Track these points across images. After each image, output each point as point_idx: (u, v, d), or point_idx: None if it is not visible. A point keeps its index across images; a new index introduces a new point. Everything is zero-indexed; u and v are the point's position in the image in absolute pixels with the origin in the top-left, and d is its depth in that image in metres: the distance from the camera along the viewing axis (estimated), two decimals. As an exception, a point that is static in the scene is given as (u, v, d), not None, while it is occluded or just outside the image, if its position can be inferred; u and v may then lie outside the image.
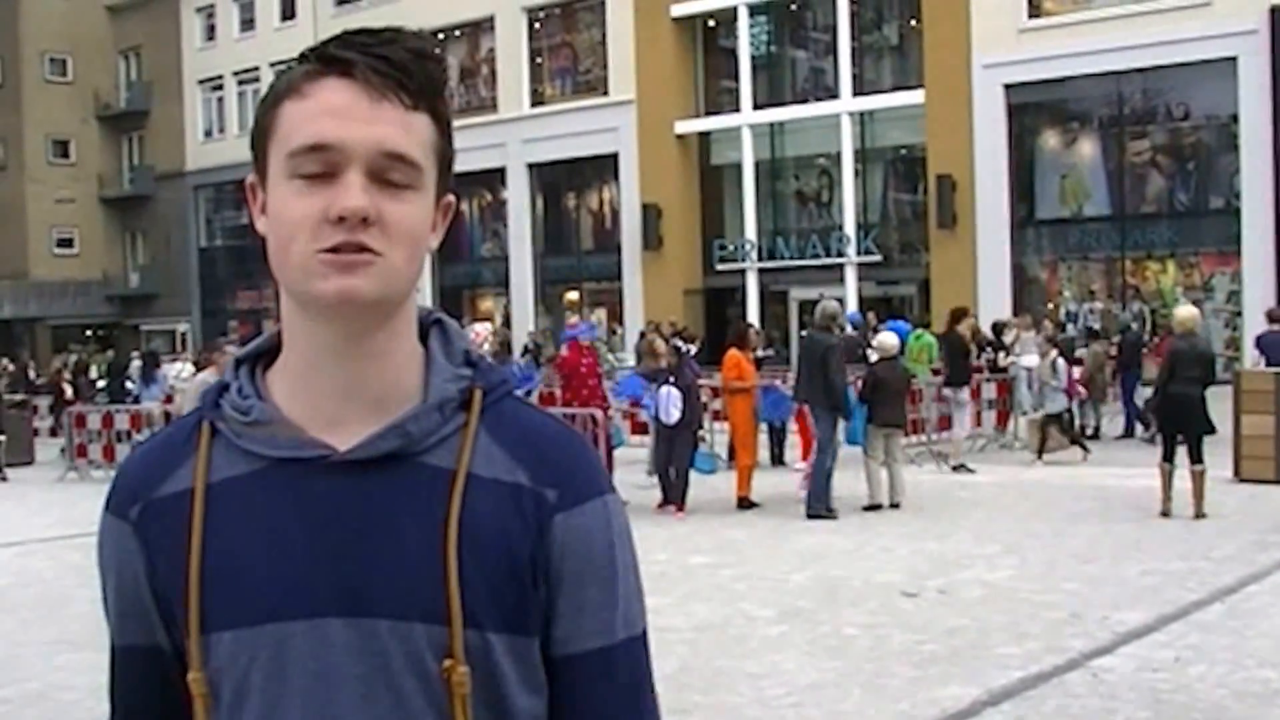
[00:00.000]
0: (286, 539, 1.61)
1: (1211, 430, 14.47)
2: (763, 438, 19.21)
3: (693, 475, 16.31)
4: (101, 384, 35.58)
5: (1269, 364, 18.81)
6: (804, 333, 21.64)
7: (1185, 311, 15.67)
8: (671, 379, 15.97)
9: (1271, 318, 21.32)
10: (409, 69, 1.60)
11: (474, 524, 1.62)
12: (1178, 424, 14.51)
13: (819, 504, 15.57)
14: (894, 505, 16.23)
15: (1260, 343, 20.42)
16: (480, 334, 16.03)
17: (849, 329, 25.67)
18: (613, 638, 1.71)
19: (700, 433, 15.92)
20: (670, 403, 15.67)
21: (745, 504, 16.36)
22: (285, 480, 1.63)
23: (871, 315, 33.03)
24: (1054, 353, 20.26)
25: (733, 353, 17.04)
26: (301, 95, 1.61)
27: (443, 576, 1.59)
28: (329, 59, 1.61)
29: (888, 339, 17.83)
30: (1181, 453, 14.56)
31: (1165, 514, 14.60)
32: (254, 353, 1.75)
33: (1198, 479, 14.40)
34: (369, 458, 1.62)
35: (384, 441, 1.63)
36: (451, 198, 1.73)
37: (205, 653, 1.63)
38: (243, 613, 1.61)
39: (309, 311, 1.63)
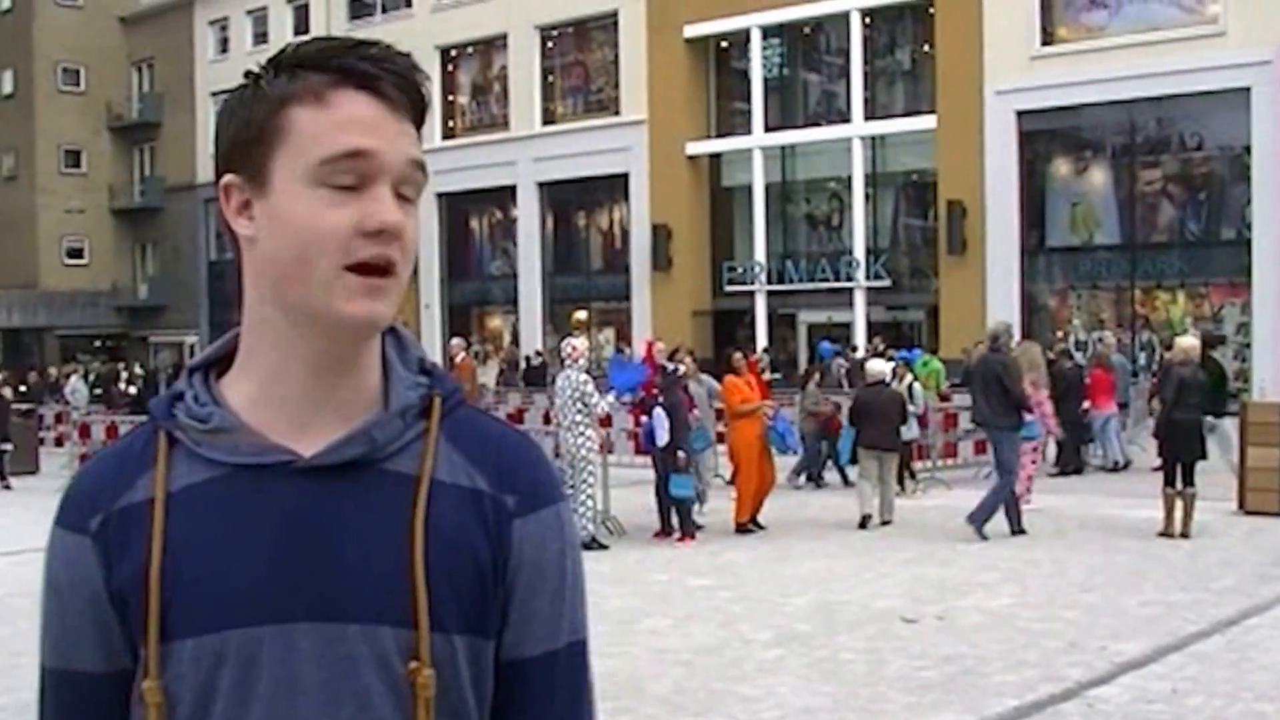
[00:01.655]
0: (252, 544, 1.60)
1: (1204, 455, 15.23)
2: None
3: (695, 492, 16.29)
4: (132, 390, 35.85)
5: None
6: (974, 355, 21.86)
7: (1187, 340, 16.43)
8: (660, 400, 15.84)
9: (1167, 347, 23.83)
10: (417, 88, 1.65)
11: (438, 528, 1.63)
12: (1182, 449, 15.08)
13: (980, 521, 15.45)
14: (885, 522, 16.68)
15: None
16: (578, 349, 15.83)
17: (833, 358, 25.86)
18: (558, 643, 1.73)
19: (681, 455, 15.64)
20: (660, 425, 15.54)
21: (743, 529, 16.27)
22: (248, 486, 1.62)
23: (878, 340, 33.02)
24: (909, 378, 20.26)
25: (729, 379, 17.00)
26: (322, 103, 1.60)
27: (409, 580, 1.60)
28: (348, 70, 1.61)
29: (874, 365, 18.43)
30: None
31: (1167, 535, 15.08)
32: (207, 361, 1.74)
33: (1188, 501, 15.02)
34: (333, 464, 1.63)
35: (349, 448, 1.63)
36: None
37: (163, 661, 1.60)
38: (209, 618, 1.59)
39: (313, 327, 1.62)
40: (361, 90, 1.60)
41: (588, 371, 15.92)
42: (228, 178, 1.64)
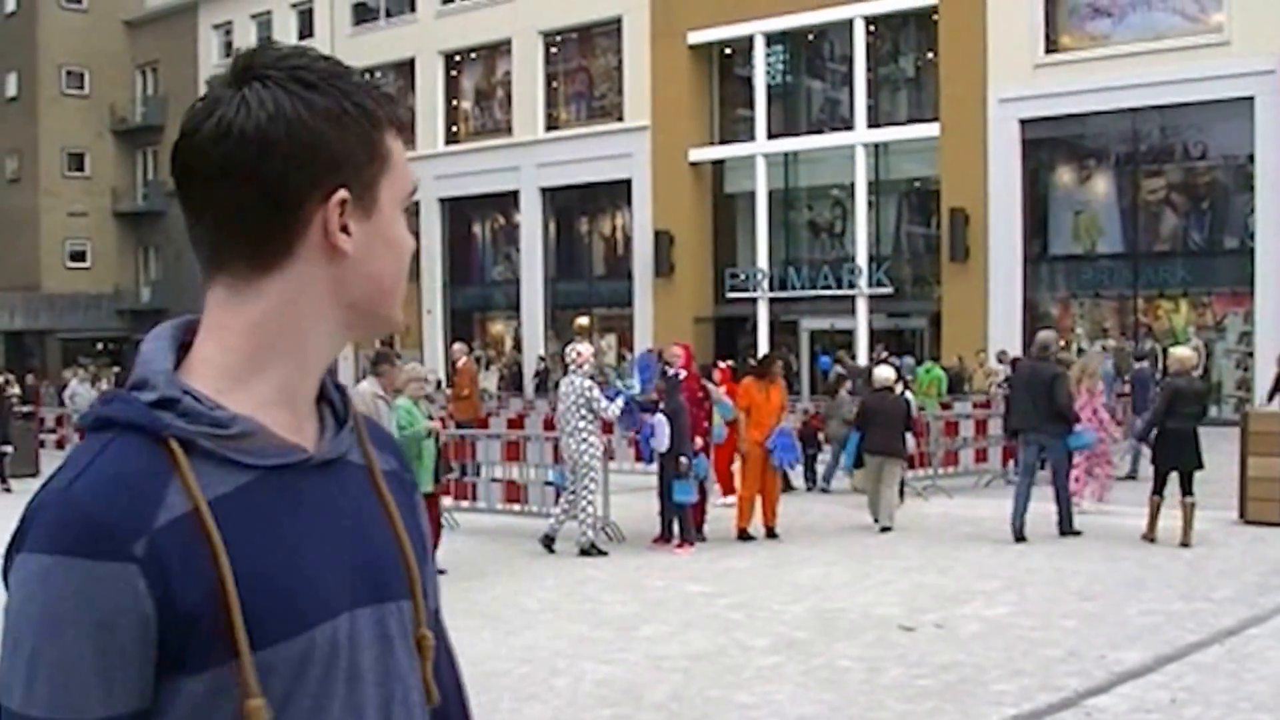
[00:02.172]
0: (306, 541, 1.63)
1: (1201, 466, 15.32)
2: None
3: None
4: None
5: (1136, 401, 20.83)
6: (1014, 363, 22.30)
7: (1184, 351, 16.75)
8: (660, 406, 15.77)
9: (1137, 356, 25.13)
10: None
11: (398, 508, 1.77)
12: (1174, 459, 15.29)
13: (1069, 525, 16.05)
14: (884, 529, 16.77)
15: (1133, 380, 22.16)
16: (584, 354, 15.75)
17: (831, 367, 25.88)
18: (438, 601, 1.89)
19: (683, 460, 15.54)
20: (660, 431, 15.46)
21: (746, 535, 16.25)
22: (279, 487, 1.63)
23: (880, 348, 33.04)
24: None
25: (745, 381, 16.94)
26: (400, 138, 1.72)
27: (404, 555, 1.73)
28: (399, 107, 1.74)
29: (880, 371, 18.63)
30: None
31: (1150, 540, 15.36)
32: (173, 365, 1.67)
33: (1188, 510, 15.13)
34: (334, 457, 1.71)
35: (341, 442, 1.74)
36: None
37: (230, 675, 1.52)
38: (294, 620, 1.57)
39: (369, 331, 1.77)
40: (402, 131, 1.74)
41: (591, 377, 15.86)
42: (343, 193, 1.63)
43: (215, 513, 1.55)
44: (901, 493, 18.19)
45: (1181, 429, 15.23)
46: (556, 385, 18.57)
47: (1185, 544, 15.00)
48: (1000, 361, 27.26)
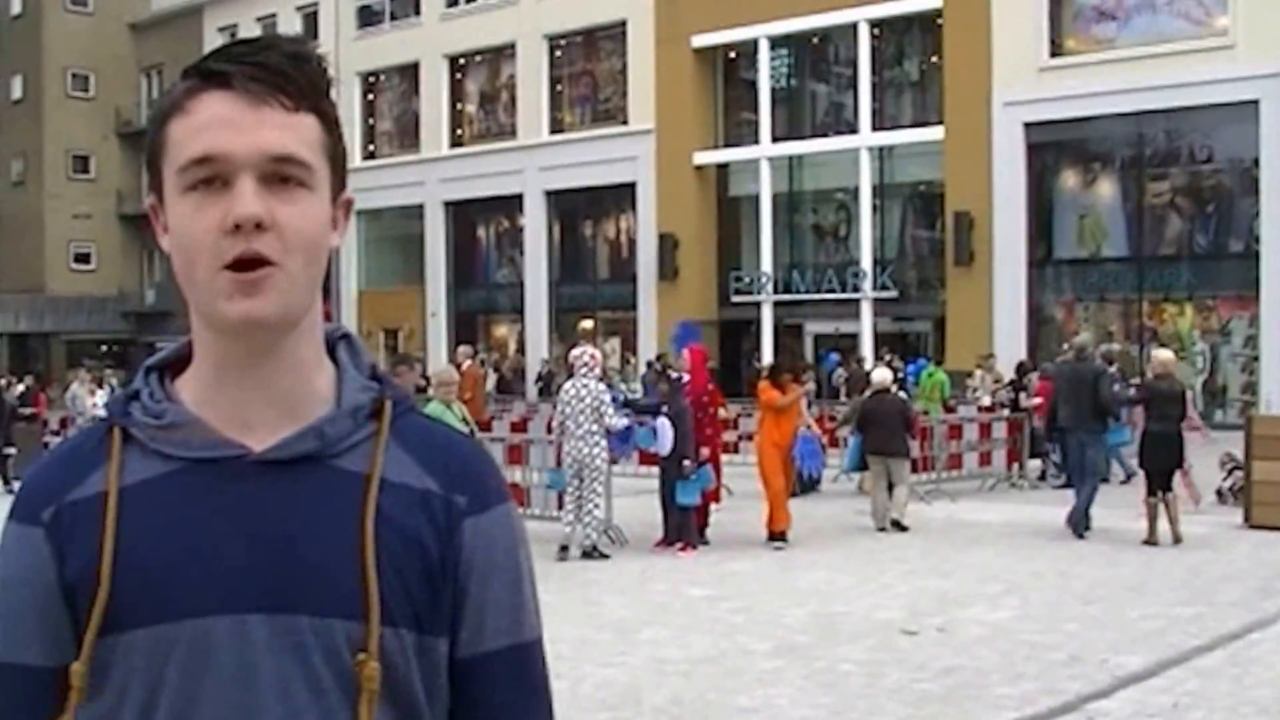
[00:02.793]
0: (206, 537, 1.63)
1: (1180, 465, 15.75)
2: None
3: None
4: None
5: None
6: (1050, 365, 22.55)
7: (1164, 354, 17.15)
8: (663, 408, 15.70)
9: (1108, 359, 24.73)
10: (287, 73, 1.65)
11: (388, 525, 1.67)
12: (1159, 459, 15.64)
13: (1082, 525, 16.31)
14: (898, 526, 17.04)
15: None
16: (596, 358, 15.69)
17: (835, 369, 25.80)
18: (520, 637, 1.79)
19: (686, 463, 15.46)
20: (664, 434, 15.37)
21: (779, 536, 16.12)
22: (202, 480, 1.66)
23: (884, 350, 32.99)
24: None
25: (762, 384, 16.86)
26: (184, 111, 1.65)
27: (360, 574, 1.64)
28: (207, 73, 1.65)
29: (878, 374, 18.92)
30: None
31: (1152, 544, 15.46)
32: (163, 362, 1.78)
33: (1171, 505, 15.50)
34: (285, 458, 1.67)
35: (300, 443, 1.68)
36: (351, 195, 1.75)
37: (114, 652, 1.61)
38: (162, 608, 1.61)
39: (213, 327, 1.67)
40: (220, 89, 1.63)
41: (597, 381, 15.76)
42: (149, 199, 1.73)
43: (127, 498, 1.65)
44: None
45: (1165, 430, 15.58)
46: (558, 389, 18.48)
47: (1177, 539, 15.32)
48: (979, 367, 27.12)
